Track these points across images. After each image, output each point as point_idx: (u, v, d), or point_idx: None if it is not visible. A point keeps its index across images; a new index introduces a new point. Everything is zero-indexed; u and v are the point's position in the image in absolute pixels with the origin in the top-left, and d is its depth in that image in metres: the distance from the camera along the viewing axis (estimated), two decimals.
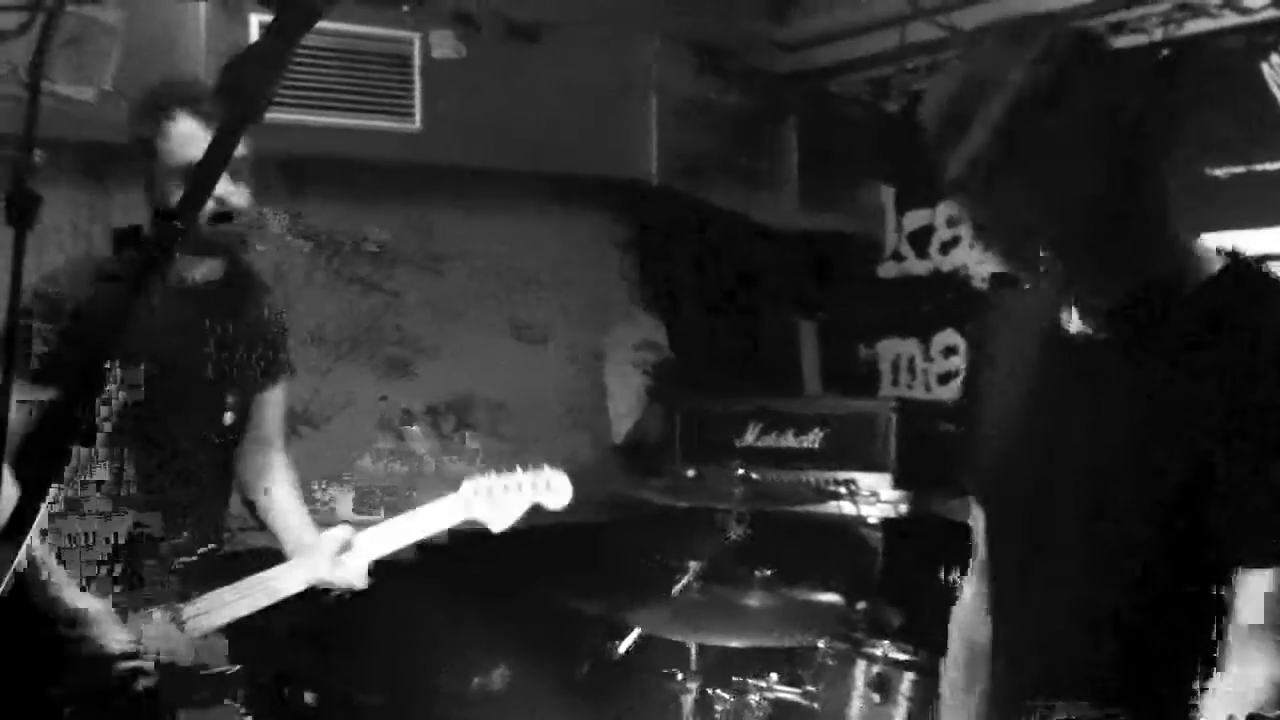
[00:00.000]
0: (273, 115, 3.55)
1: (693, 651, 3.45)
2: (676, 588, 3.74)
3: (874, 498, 4.01)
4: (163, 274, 1.57)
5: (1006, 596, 1.75)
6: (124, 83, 3.59)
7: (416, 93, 4.04)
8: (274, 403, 2.98)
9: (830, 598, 3.49)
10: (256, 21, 3.76)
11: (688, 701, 3.45)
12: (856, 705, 3.08)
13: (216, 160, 1.15)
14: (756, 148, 4.86)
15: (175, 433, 2.71)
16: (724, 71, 4.75)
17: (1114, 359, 1.60)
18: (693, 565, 3.75)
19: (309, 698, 3.85)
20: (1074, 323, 1.67)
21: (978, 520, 1.83)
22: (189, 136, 2.53)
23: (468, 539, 4.35)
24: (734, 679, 3.40)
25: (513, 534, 4.42)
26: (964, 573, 1.94)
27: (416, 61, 4.04)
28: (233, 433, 2.88)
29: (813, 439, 4.27)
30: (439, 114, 4.07)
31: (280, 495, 3.04)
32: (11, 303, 1.18)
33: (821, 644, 3.22)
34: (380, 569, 4.10)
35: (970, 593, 1.90)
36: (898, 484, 4.04)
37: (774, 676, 3.33)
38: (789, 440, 4.31)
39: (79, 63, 3.61)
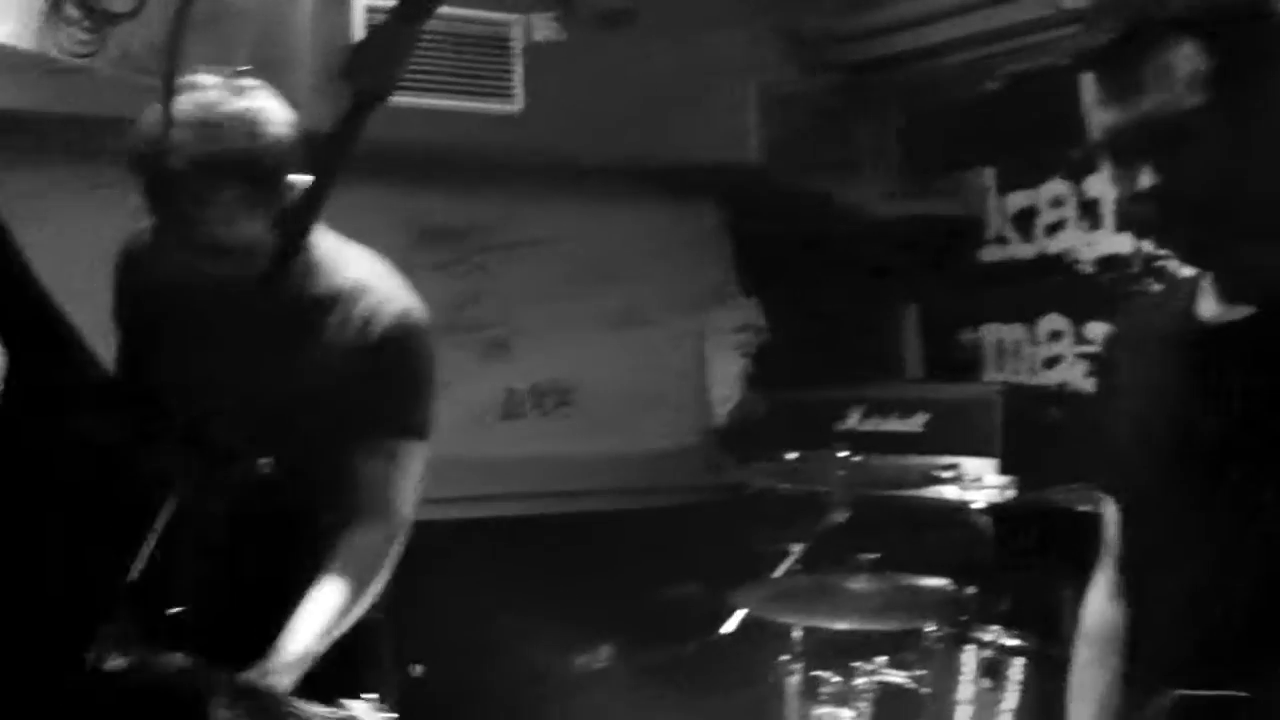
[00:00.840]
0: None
1: (796, 634, 3.45)
2: (779, 570, 3.74)
3: (979, 483, 3.96)
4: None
5: (1139, 585, 1.73)
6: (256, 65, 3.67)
7: (516, 76, 4.07)
8: None
9: (937, 582, 3.46)
10: (361, 5, 3.81)
11: (792, 684, 3.44)
12: (965, 690, 3.05)
13: (342, 143, 1.17)
14: (855, 131, 4.82)
15: None
16: (824, 55, 4.72)
17: (1251, 345, 1.56)
18: (795, 548, 3.75)
19: (416, 670, 3.91)
20: (1212, 308, 1.63)
21: (1108, 510, 1.81)
22: None
23: (573, 520, 4.41)
24: (839, 662, 3.39)
25: (617, 515, 4.47)
26: (1086, 560, 1.92)
27: (517, 45, 4.07)
28: None
29: (916, 423, 4.24)
30: (538, 97, 4.09)
31: None
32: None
33: (929, 628, 3.19)
34: (485, 545, 4.16)
35: (1101, 580, 1.88)
36: (1003, 470, 3.99)
37: (880, 660, 3.31)
38: (891, 425, 4.28)
39: (213, 46, 3.70)
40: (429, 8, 1.19)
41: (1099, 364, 1.87)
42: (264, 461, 2.16)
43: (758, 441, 4.54)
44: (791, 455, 4.26)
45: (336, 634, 2.21)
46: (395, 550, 2.33)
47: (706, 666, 3.90)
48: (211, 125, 2.09)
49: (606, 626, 4.22)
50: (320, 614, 2.17)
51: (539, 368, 4.50)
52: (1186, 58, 1.45)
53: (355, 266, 2.27)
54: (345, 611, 2.23)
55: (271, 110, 2.20)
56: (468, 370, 4.37)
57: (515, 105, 4.07)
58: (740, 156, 4.53)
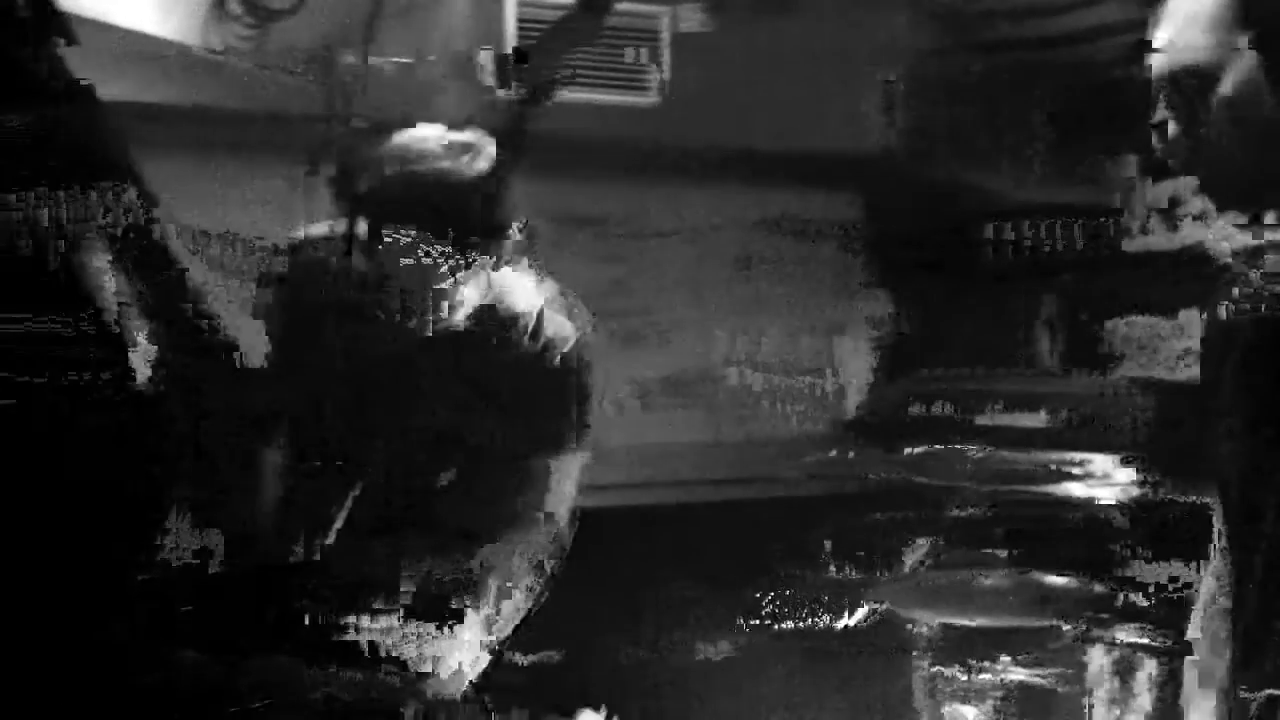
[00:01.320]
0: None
1: (924, 629, 3.45)
2: (908, 564, 3.74)
3: (1112, 480, 3.91)
4: None
5: (1244, 586, 1.72)
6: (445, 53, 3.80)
7: (660, 67, 4.11)
8: None
9: (1069, 579, 3.43)
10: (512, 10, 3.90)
11: (918, 679, 3.45)
12: (1096, 689, 3.03)
13: (522, 131, 1.22)
14: (999, 119, 4.76)
15: None
16: (966, 40, 4.66)
17: None
18: (924, 542, 3.75)
19: (556, 656, 4.00)
20: None
21: (1217, 508, 1.79)
22: None
23: (705, 509, 4.45)
24: (968, 658, 3.38)
25: (742, 504, 4.50)
26: (1206, 560, 1.90)
27: (664, 36, 4.11)
28: None
29: (1051, 418, 4.19)
30: (681, 88, 4.13)
31: None
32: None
33: (1061, 626, 3.17)
34: (620, 533, 4.23)
35: (1209, 581, 1.86)
36: (1139, 467, 3.93)
37: (1009, 658, 3.30)
38: (1025, 418, 4.24)
39: (407, 34, 3.82)
40: (604, 9, 1.24)
41: (1201, 350, 1.85)
42: (446, 476, 2.32)
43: (888, 433, 4.53)
44: (921, 448, 4.24)
45: (506, 633, 2.31)
46: (554, 552, 2.42)
47: (830, 659, 3.92)
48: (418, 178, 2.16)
49: (734, 614, 4.26)
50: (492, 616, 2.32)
51: (672, 359, 4.55)
52: None
53: (530, 292, 2.36)
54: (515, 612, 2.33)
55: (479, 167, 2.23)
56: (603, 361, 4.44)
57: (656, 97, 4.13)
58: (879, 143, 4.51)
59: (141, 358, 2.99)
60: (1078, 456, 4.00)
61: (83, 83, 3.14)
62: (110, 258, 3.04)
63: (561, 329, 2.35)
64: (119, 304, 3.04)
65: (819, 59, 4.34)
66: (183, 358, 2.62)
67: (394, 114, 3.26)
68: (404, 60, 3.81)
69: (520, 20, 3.96)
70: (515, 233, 2.32)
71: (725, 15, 4.15)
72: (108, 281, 2.96)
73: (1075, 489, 3.91)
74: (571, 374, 2.33)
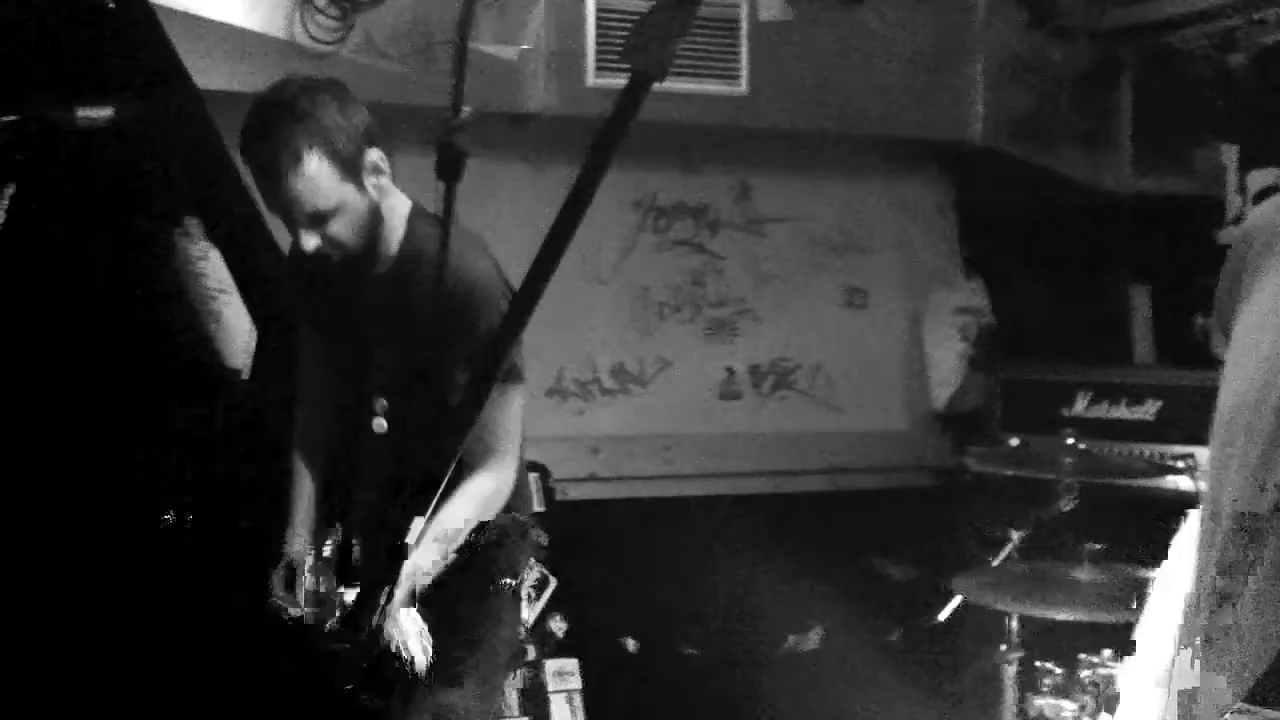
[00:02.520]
0: (602, 80, 3.68)
1: (1014, 622, 3.38)
2: (999, 557, 3.67)
3: None
4: None
5: None
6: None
7: (743, 56, 4.08)
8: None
9: None
10: None
11: (1010, 673, 3.38)
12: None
13: (621, 122, 1.19)
14: (1087, 106, 4.67)
15: None
16: (1054, 27, 4.58)
17: None
18: (1016, 535, 3.68)
19: (631, 645, 3.99)
20: None
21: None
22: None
23: (788, 499, 4.42)
24: (1064, 653, 3.31)
25: (832, 496, 4.46)
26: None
27: (744, 25, 4.08)
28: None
29: (1146, 411, 4.10)
30: (765, 77, 4.10)
31: None
32: (440, 254, 1.26)
33: None
34: (700, 521, 4.21)
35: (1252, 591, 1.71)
36: None
37: (1107, 653, 3.22)
38: (1120, 411, 4.15)
39: (502, 23, 3.84)
40: None
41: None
42: (379, 417, 2.40)
43: (978, 425, 4.47)
44: (1014, 440, 4.17)
45: (448, 547, 2.33)
46: (506, 491, 2.43)
47: (919, 652, 3.87)
48: None
49: (819, 607, 4.22)
50: (439, 524, 2.29)
51: (760, 348, 4.52)
52: None
53: (430, 228, 2.42)
54: (455, 534, 2.36)
55: None
56: (691, 350, 4.43)
57: (742, 86, 4.09)
58: (966, 132, 4.45)
59: (241, 344, 3.02)
60: (1178, 450, 3.91)
61: (180, 73, 3.18)
62: (209, 244, 3.07)
63: (472, 261, 2.40)
64: (217, 291, 3.07)
65: (902, 47, 4.30)
66: (277, 340, 2.65)
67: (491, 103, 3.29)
68: (499, 48, 3.83)
69: (599, 10, 3.96)
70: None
71: (805, 5, 4.11)
72: (208, 269, 2.98)
73: (1176, 483, 3.82)
74: (494, 308, 2.34)
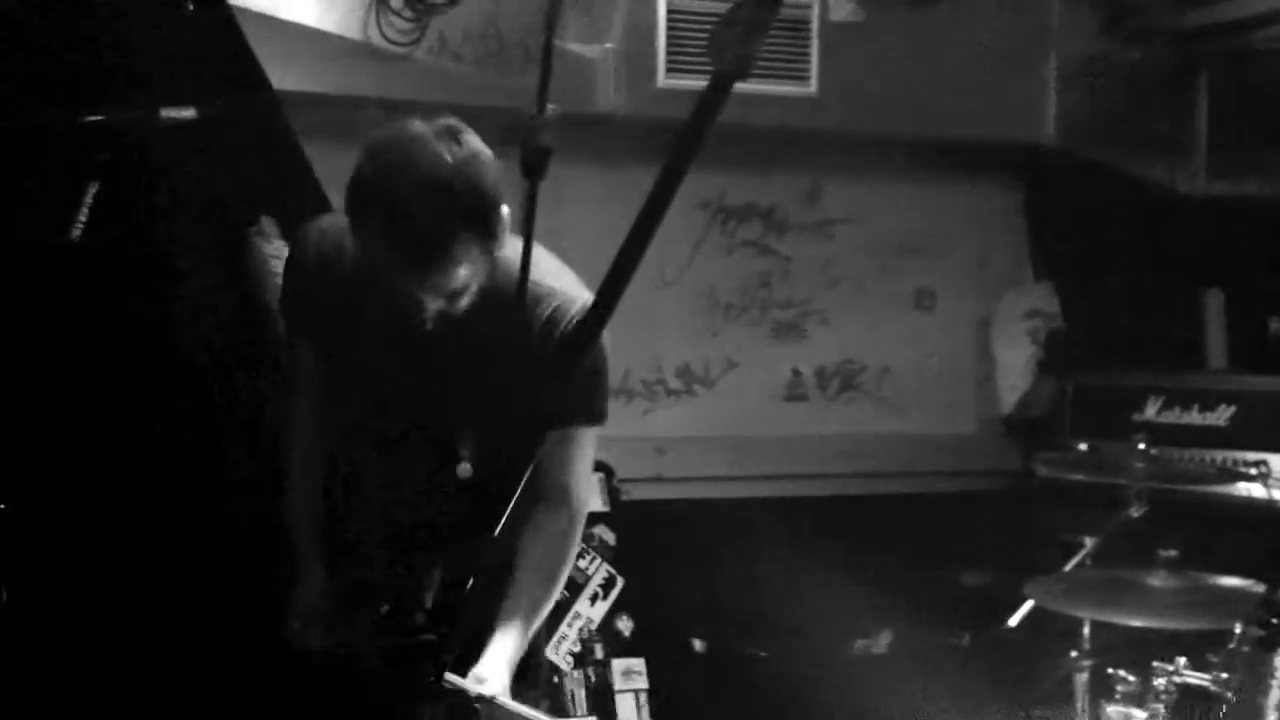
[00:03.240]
0: (672, 81, 3.69)
1: (1086, 629, 3.35)
2: (1070, 563, 3.63)
3: None
4: None
5: None
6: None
7: (813, 57, 4.08)
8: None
9: (1242, 582, 3.29)
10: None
11: (1081, 680, 3.35)
12: (1276, 695, 2.90)
13: (703, 122, 1.20)
14: (1162, 108, 4.61)
15: None
16: (1129, 28, 4.53)
17: None
18: (1088, 541, 3.64)
19: (698, 645, 3.99)
20: None
21: None
22: None
23: (854, 502, 4.41)
24: (1136, 661, 3.27)
25: (898, 499, 4.44)
26: None
27: (814, 26, 4.08)
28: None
29: (1219, 416, 4.04)
30: (835, 78, 4.09)
31: None
32: (524, 253, 1.27)
33: (1238, 629, 3.04)
34: (766, 524, 4.21)
35: None
36: None
37: (1182, 660, 3.18)
38: (1192, 417, 4.09)
39: (586, 21, 3.87)
40: None
41: None
42: (464, 464, 2.25)
43: (1048, 430, 4.43)
44: (1084, 445, 4.13)
45: (536, 627, 2.26)
46: (579, 531, 2.34)
47: (989, 657, 3.83)
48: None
49: (887, 611, 4.20)
50: (520, 613, 2.21)
51: (826, 350, 4.51)
52: None
53: (536, 266, 2.22)
54: (543, 603, 2.27)
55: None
56: (757, 351, 4.43)
57: (812, 87, 4.09)
58: (1039, 133, 4.42)
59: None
60: (1251, 456, 3.85)
61: (258, 73, 3.24)
62: (283, 243, 3.11)
63: (573, 302, 2.25)
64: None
65: (973, 49, 4.27)
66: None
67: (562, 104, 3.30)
68: (583, 46, 3.86)
69: (670, 12, 3.97)
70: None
71: (875, 7, 4.10)
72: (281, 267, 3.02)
73: (1250, 490, 3.76)
74: (581, 345, 2.15)
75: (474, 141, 2.10)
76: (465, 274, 2.09)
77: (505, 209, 2.10)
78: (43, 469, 2.85)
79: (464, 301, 2.14)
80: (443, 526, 2.28)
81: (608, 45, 3.95)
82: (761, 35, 1.20)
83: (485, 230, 2.07)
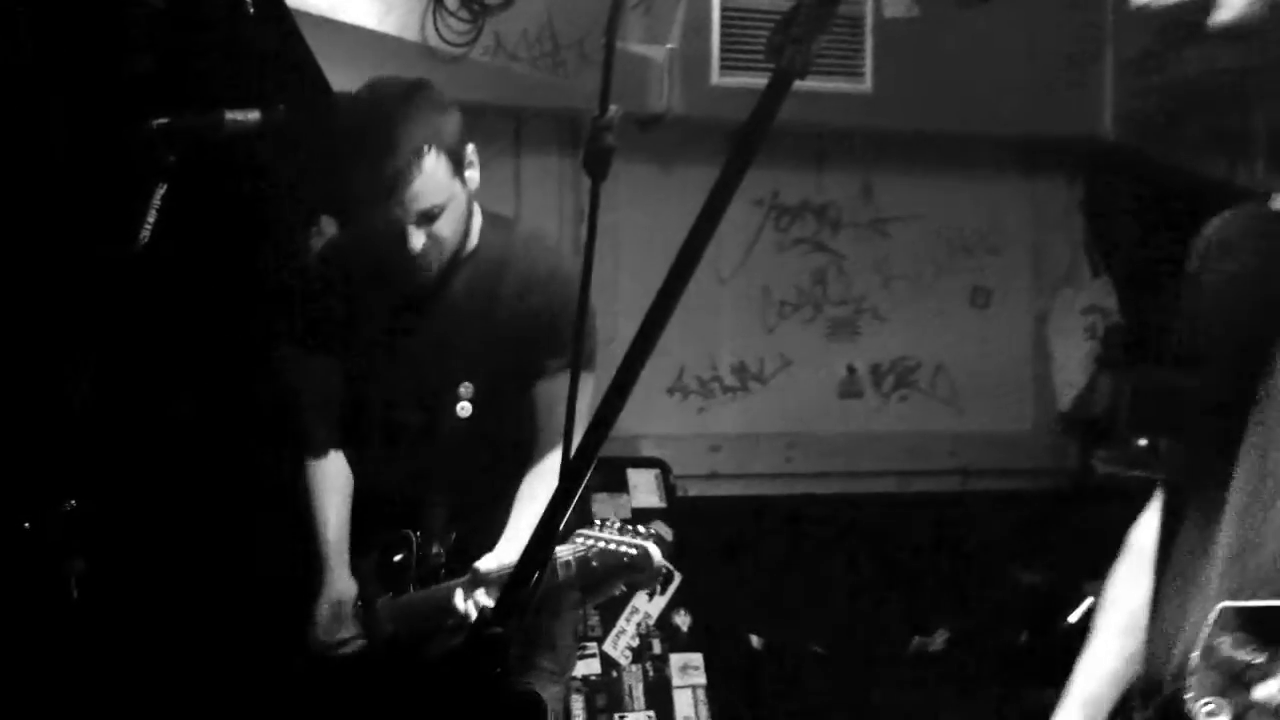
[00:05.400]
0: (726, 80, 3.69)
1: None
2: None
3: None
4: None
5: None
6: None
7: (868, 54, 4.07)
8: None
9: None
10: None
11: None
12: None
13: (763, 120, 1.20)
14: (1221, 103, 4.55)
15: None
16: (1187, 22, 4.48)
17: None
18: None
19: (756, 641, 4.00)
20: None
21: None
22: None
23: (910, 500, 4.39)
24: None
25: (955, 497, 4.41)
26: None
27: (869, 22, 4.07)
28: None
29: None
30: (890, 75, 4.08)
31: None
32: (587, 252, 1.29)
33: None
34: (823, 520, 4.20)
35: None
36: None
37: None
38: None
39: (647, 22, 3.89)
40: None
41: None
42: (463, 403, 2.48)
43: (1106, 426, 4.39)
44: (1142, 442, 4.09)
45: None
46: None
47: (1047, 656, 3.81)
48: None
49: (943, 609, 4.19)
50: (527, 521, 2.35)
51: (881, 347, 4.49)
52: None
53: (513, 235, 2.55)
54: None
55: None
56: (812, 348, 4.42)
57: (866, 84, 4.08)
58: (1096, 128, 4.38)
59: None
60: None
61: (318, 75, 3.28)
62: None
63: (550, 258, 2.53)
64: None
65: (1028, 43, 4.24)
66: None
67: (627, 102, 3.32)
68: (645, 47, 3.87)
69: (725, 10, 3.97)
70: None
71: (929, 2, 4.07)
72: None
73: None
74: (568, 299, 2.41)
75: (429, 86, 2.47)
76: (429, 189, 2.34)
77: (466, 141, 2.42)
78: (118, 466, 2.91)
79: (445, 231, 2.38)
80: (447, 466, 2.50)
81: (669, 46, 3.96)
82: (820, 35, 1.20)
83: (442, 144, 2.35)
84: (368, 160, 2.36)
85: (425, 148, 2.34)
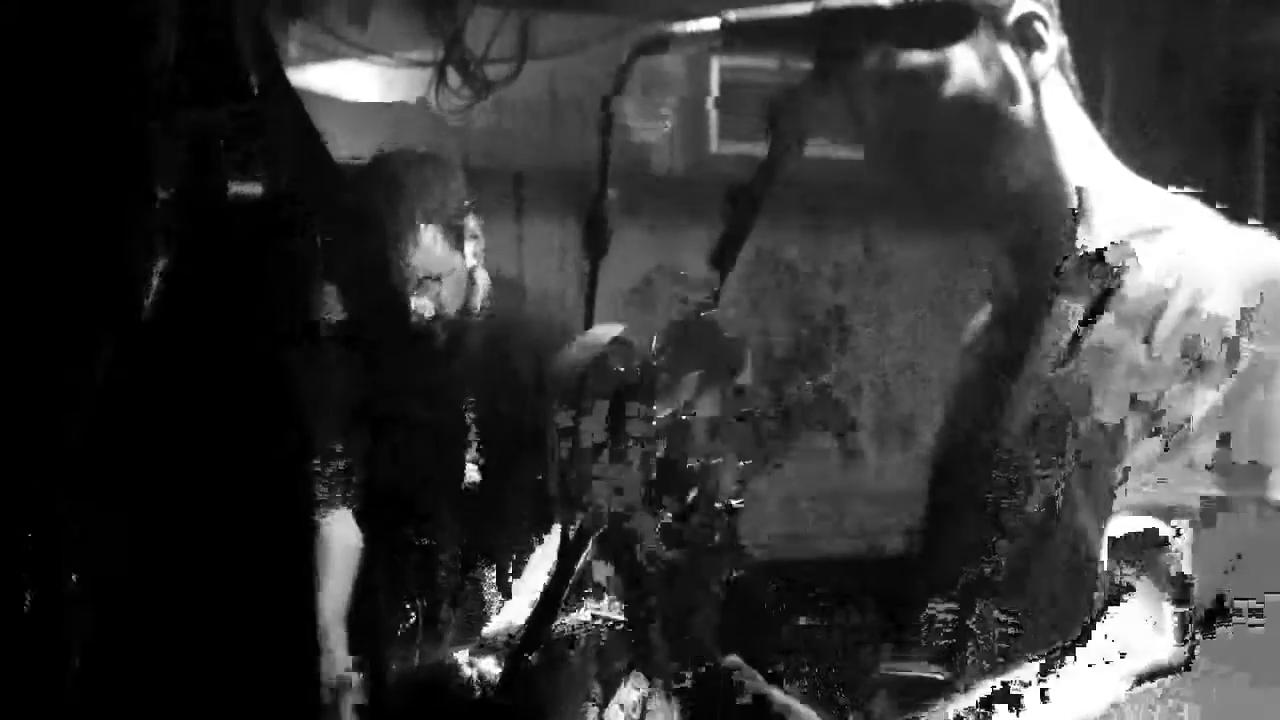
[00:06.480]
0: (725, 148, 3.73)
1: None
2: None
3: None
4: None
5: None
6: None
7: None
8: None
9: None
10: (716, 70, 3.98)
11: None
12: None
13: (763, 187, 1.23)
14: (1216, 148, 4.60)
15: None
16: (1184, 72, 4.53)
17: None
18: None
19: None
20: None
21: None
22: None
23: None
24: None
25: None
26: None
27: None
28: None
29: None
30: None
31: None
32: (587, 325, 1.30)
33: None
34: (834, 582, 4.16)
35: None
36: None
37: None
38: None
39: (645, 102, 3.94)
40: (849, 56, 1.24)
41: None
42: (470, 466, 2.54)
43: None
44: None
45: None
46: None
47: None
48: None
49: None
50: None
51: (887, 404, 4.50)
52: None
53: (509, 291, 2.67)
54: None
55: None
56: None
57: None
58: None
59: None
60: None
61: (320, 147, 3.31)
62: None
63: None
64: None
65: None
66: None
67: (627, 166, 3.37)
68: (643, 125, 3.92)
69: (723, 77, 4.03)
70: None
71: None
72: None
73: None
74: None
75: (436, 158, 2.57)
76: (428, 261, 2.43)
77: (468, 212, 2.52)
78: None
79: (445, 298, 2.46)
80: (453, 531, 2.57)
81: (665, 126, 4.00)
82: (815, 115, 1.23)
83: (442, 218, 2.45)
84: (368, 232, 2.40)
85: (424, 221, 2.38)
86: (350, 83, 3.72)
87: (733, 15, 1.26)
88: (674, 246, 4.03)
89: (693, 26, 1.24)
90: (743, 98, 4.03)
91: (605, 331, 1.22)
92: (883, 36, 1.28)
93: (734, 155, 3.96)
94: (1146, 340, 1.32)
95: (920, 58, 1.34)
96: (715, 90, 4.04)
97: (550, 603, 1.24)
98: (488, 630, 2.34)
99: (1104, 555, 1.28)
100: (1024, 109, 1.44)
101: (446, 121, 3.83)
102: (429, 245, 2.41)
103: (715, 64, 4.01)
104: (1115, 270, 1.36)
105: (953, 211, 1.51)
